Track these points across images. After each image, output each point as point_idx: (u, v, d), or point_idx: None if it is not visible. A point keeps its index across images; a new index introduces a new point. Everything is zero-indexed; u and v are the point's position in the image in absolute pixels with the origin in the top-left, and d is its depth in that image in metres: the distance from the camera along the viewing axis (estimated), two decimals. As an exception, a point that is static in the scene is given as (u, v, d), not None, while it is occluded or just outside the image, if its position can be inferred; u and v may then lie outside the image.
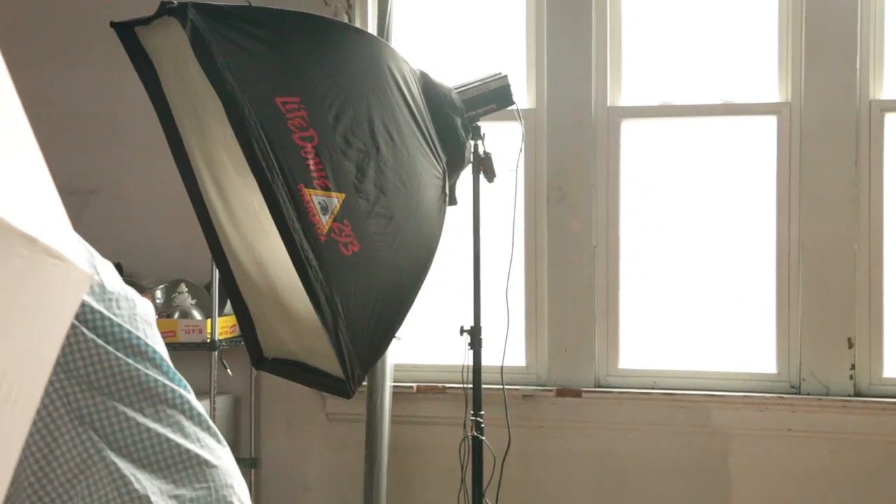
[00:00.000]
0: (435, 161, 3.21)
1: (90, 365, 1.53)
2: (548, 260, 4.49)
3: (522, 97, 4.50)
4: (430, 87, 3.29)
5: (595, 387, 4.40)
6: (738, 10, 4.36)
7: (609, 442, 4.38)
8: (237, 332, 4.59)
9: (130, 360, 1.55)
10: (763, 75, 4.33)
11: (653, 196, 4.45)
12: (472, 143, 3.45)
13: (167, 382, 1.60)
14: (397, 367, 4.55)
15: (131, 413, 1.55)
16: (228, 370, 4.49)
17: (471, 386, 3.51)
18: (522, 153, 3.69)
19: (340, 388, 3.07)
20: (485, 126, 3.64)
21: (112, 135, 4.92)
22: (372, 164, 3.01)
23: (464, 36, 4.64)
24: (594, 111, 4.43)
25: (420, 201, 3.13)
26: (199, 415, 1.63)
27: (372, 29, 4.47)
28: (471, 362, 3.51)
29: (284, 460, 4.77)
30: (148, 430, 1.56)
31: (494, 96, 3.47)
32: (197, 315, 4.50)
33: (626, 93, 4.48)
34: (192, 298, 4.55)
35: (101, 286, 1.53)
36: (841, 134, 4.20)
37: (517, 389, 4.43)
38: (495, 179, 3.52)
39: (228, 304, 4.49)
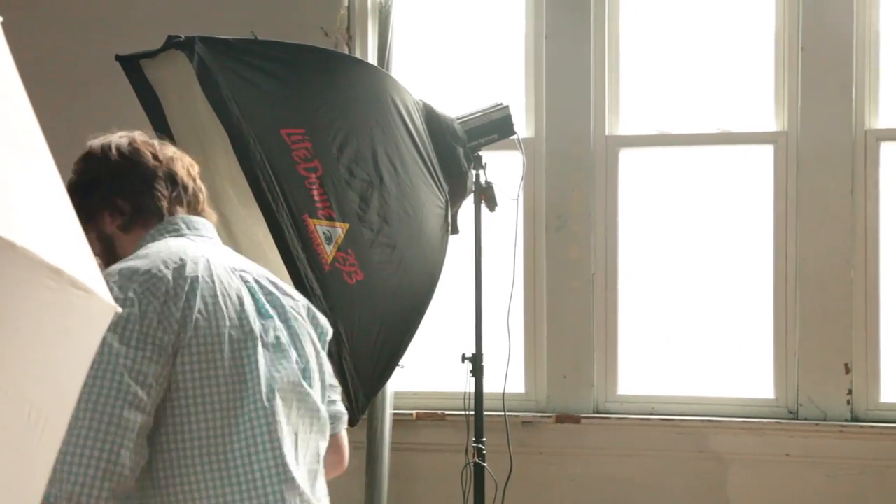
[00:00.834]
0: (437, 191, 3.25)
1: None
2: (547, 287, 4.53)
3: (522, 126, 4.54)
4: (433, 118, 3.34)
5: (594, 413, 4.43)
6: (735, 40, 4.42)
7: (608, 468, 4.40)
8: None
9: None
10: (760, 105, 4.38)
11: (651, 223, 4.50)
12: (473, 172, 3.49)
13: None
14: (397, 395, 4.58)
15: None
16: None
17: (472, 413, 3.54)
18: (523, 182, 3.72)
19: (344, 415, 3.10)
20: (485, 155, 3.68)
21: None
22: (375, 194, 3.05)
23: (463, 66, 4.69)
24: (593, 140, 4.48)
25: (423, 230, 3.17)
26: None
27: (372, 60, 4.52)
28: (472, 389, 3.54)
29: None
30: None
31: (496, 126, 3.52)
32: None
33: (625, 122, 4.53)
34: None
35: None
36: (837, 163, 4.25)
37: (517, 416, 4.45)
38: (497, 208, 3.56)
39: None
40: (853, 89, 4.23)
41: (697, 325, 4.43)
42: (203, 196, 2.19)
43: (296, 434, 1.99)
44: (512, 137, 3.57)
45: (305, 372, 2.03)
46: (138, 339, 1.81)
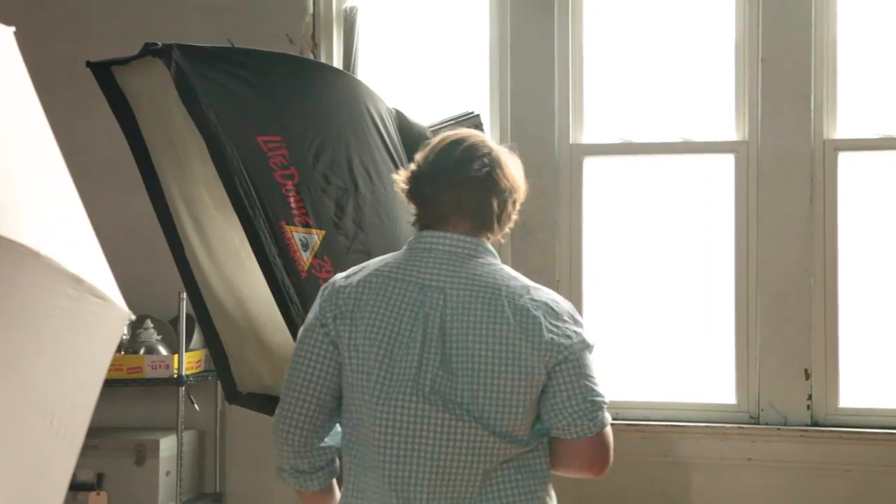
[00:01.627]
0: (410, 198, 3.27)
1: None
2: (512, 294, 4.56)
3: (486, 135, 4.57)
4: (406, 126, 3.36)
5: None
6: (696, 51, 4.49)
7: (573, 473, 4.43)
8: (203, 367, 4.62)
9: None
10: (721, 114, 4.46)
11: (615, 231, 4.55)
12: (444, 180, 3.50)
13: None
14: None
15: None
16: (196, 405, 4.50)
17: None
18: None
19: (320, 421, 3.10)
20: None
21: (77, 171, 4.90)
22: (351, 201, 3.07)
23: (428, 74, 4.73)
24: (557, 148, 4.53)
25: (397, 237, 3.18)
26: None
27: (338, 63, 4.54)
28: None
29: (250, 496, 4.77)
30: None
31: (467, 135, 3.53)
32: (163, 350, 4.51)
33: (589, 130, 4.58)
34: (158, 334, 4.57)
35: None
36: (796, 172, 4.32)
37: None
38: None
39: (195, 339, 4.52)
40: (812, 100, 4.32)
41: (661, 331, 4.49)
42: None
43: None
44: (482, 146, 3.58)
45: None
46: None
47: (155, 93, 3.07)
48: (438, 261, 2.27)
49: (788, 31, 4.32)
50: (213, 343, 3.48)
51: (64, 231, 1.21)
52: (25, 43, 4.76)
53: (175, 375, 4.40)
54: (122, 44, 3.23)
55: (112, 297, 1.23)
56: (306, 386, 2.26)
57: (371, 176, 3.14)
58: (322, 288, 2.36)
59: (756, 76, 4.37)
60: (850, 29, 4.35)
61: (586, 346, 2.26)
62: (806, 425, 4.31)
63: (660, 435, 4.36)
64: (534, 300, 2.24)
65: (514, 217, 2.45)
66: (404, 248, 2.35)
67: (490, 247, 2.33)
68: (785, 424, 4.33)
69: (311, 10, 4.65)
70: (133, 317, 1.30)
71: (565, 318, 2.26)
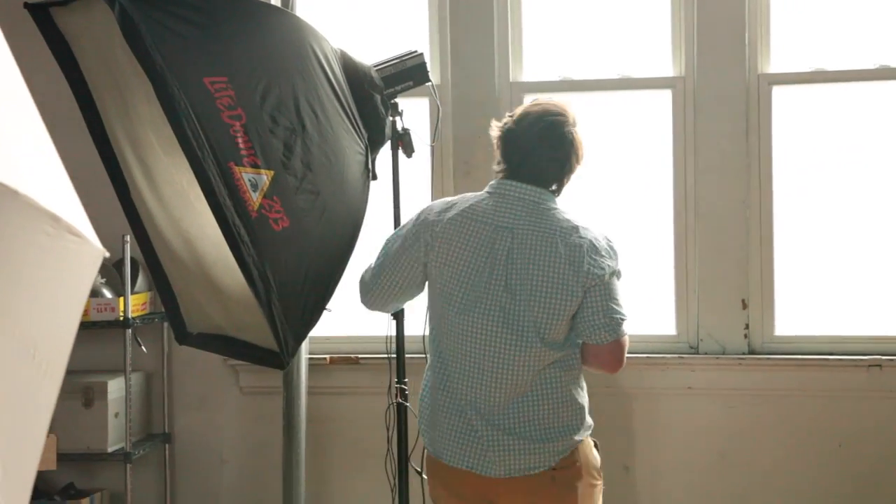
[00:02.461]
0: (357, 138, 3.29)
1: None
2: (455, 232, 4.62)
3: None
4: (351, 66, 3.37)
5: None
6: (634, -13, 4.54)
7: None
8: (149, 309, 4.63)
9: None
10: (658, 51, 4.52)
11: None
12: (391, 119, 3.54)
13: None
14: (312, 339, 4.63)
15: None
16: (143, 347, 4.51)
17: (395, 355, 3.61)
18: (439, 129, 3.79)
19: (273, 359, 3.15)
20: (403, 102, 3.73)
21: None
22: (298, 141, 3.08)
23: (368, 13, 4.72)
24: (497, 86, 4.57)
25: (345, 177, 3.21)
26: None
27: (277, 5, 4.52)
28: (394, 332, 3.61)
29: (199, 435, 4.82)
30: None
31: (411, 74, 3.56)
32: (107, 293, 4.50)
33: (528, 68, 4.62)
34: (102, 277, 4.56)
35: None
36: (732, 107, 4.41)
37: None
38: (413, 154, 3.61)
39: (140, 282, 4.52)
40: (746, 35, 4.40)
41: (602, 265, 4.56)
42: None
43: None
44: (426, 84, 3.62)
45: None
46: None
47: (97, 34, 3.04)
48: (511, 205, 3.01)
49: (724, -33, 4.39)
50: (161, 285, 3.50)
51: (39, 169, 1.23)
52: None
53: (121, 318, 4.40)
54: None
55: (87, 235, 1.26)
56: (395, 285, 3.17)
57: (318, 116, 3.15)
58: (420, 214, 3.13)
59: (692, 12, 4.43)
60: (783, -36, 4.42)
61: (614, 275, 3.00)
62: (743, 354, 4.44)
63: (602, 366, 4.45)
64: (581, 238, 2.97)
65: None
66: (486, 191, 3.09)
67: (553, 196, 3.06)
68: (723, 353, 4.45)
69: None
70: (107, 254, 1.32)
71: (602, 253, 2.98)
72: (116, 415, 4.48)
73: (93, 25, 3.04)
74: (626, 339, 3.07)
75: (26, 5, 3.13)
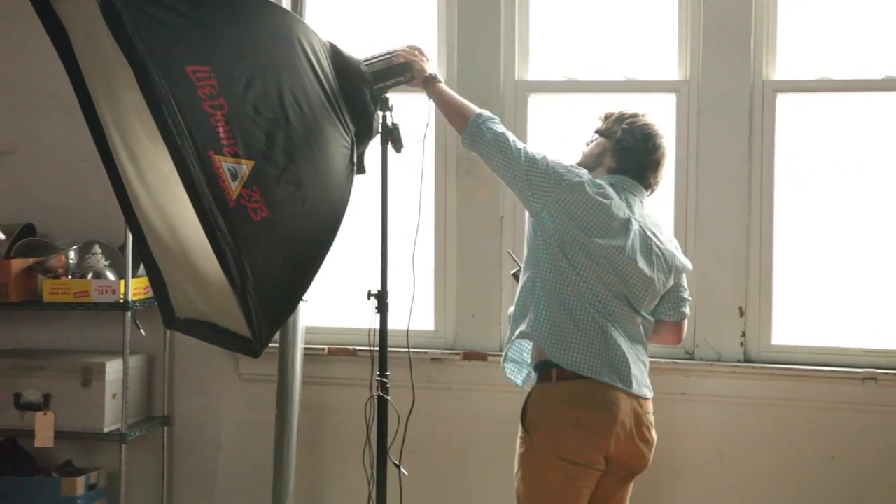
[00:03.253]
0: (343, 131, 3.32)
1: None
2: (457, 229, 4.65)
3: (434, 70, 4.61)
4: (340, 59, 3.40)
5: (500, 351, 4.55)
6: (641, -10, 4.53)
7: (513, 404, 4.50)
8: (151, 293, 4.68)
9: None
10: (664, 54, 4.51)
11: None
12: (380, 114, 3.56)
13: None
14: (310, 330, 4.68)
15: None
16: (142, 330, 4.58)
17: (377, 348, 3.64)
18: (430, 125, 3.81)
19: (248, 347, 3.19)
20: (399, 98, 3.76)
21: (27, 97, 4.96)
22: (281, 132, 3.11)
23: (377, 11, 4.75)
24: (503, 85, 4.58)
25: (328, 169, 3.24)
26: None
27: (286, 2, 4.57)
28: (378, 325, 3.64)
29: (197, 419, 4.88)
30: None
31: (402, 69, 3.58)
32: (110, 276, 4.57)
33: (534, 68, 4.63)
34: (106, 259, 4.63)
35: None
36: (735, 112, 4.39)
37: (426, 353, 4.60)
38: (402, 149, 3.64)
39: (142, 265, 4.58)
40: (752, 41, 4.37)
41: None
42: None
43: None
44: (418, 81, 3.63)
45: None
46: None
47: (87, 20, 3.09)
48: (629, 200, 3.43)
49: (731, -29, 4.37)
50: (150, 269, 3.54)
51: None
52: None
53: (121, 300, 4.47)
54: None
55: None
56: None
57: (302, 108, 3.18)
58: (577, 182, 3.37)
59: (698, 16, 4.42)
60: (791, -29, 4.40)
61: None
62: (739, 361, 4.42)
63: (596, 368, 4.44)
64: (669, 239, 3.57)
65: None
66: (608, 182, 3.43)
67: None
68: (719, 360, 4.44)
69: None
70: None
71: (679, 250, 3.58)
72: (114, 396, 4.55)
73: (83, 12, 3.09)
74: (687, 321, 3.74)
75: (25, -9, 3.19)
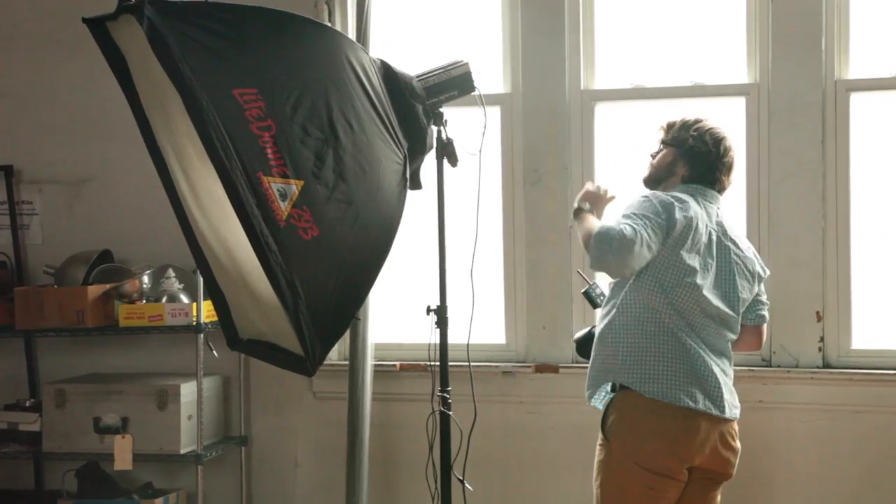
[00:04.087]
0: (395, 147, 3.32)
1: None
2: (526, 241, 4.62)
3: (498, 82, 4.61)
4: (391, 76, 3.40)
5: (572, 363, 4.51)
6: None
7: (586, 416, 4.46)
8: (223, 314, 4.73)
9: None
10: (732, 57, 4.42)
11: (626, 176, 4.53)
12: (434, 128, 3.55)
13: None
14: (381, 347, 4.69)
15: None
16: (214, 352, 4.62)
17: (438, 363, 3.63)
18: (485, 137, 3.78)
19: (302, 366, 3.20)
20: (458, 111, 3.75)
21: (103, 127, 5.06)
22: (330, 151, 3.12)
23: (441, 27, 4.75)
24: (568, 95, 4.53)
25: (380, 186, 3.24)
26: None
27: (351, 26, 4.60)
28: (438, 340, 3.62)
29: (274, 438, 4.92)
30: None
31: (456, 83, 3.57)
32: (184, 299, 4.64)
33: (600, 76, 4.58)
34: (180, 283, 4.70)
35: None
36: (808, 114, 4.28)
37: (497, 366, 4.57)
38: (458, 164, 3.62)
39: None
40: (823, 41, 4.26)
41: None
42: None
43: None
44: (473, 94, 3.62)
45: None
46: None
47: (140, 47, 3.14)
48: (708, 208, 3.43)
49: (799, -29, 4.27)
50: (213, 291, 3.58)
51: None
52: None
53: (194, 323, 4.53)
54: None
55: None
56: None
57: (352, 126, 3.19)
58: (668, 203, 3.32)
59: (767, 17, 4.32)
60: (861, -33, 4.27)
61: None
62: (817, 367, 4.30)
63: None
64: (748, 246, 3.58)
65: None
66: (688, 191, 3.44)
67: None
68: (796, 366, 4.33)
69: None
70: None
71: (757, 256, 3.61)
72: (190, 417, 4.60)
73: (136, 39, 3.13)
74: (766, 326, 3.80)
75: (84, 20, 3.24)
